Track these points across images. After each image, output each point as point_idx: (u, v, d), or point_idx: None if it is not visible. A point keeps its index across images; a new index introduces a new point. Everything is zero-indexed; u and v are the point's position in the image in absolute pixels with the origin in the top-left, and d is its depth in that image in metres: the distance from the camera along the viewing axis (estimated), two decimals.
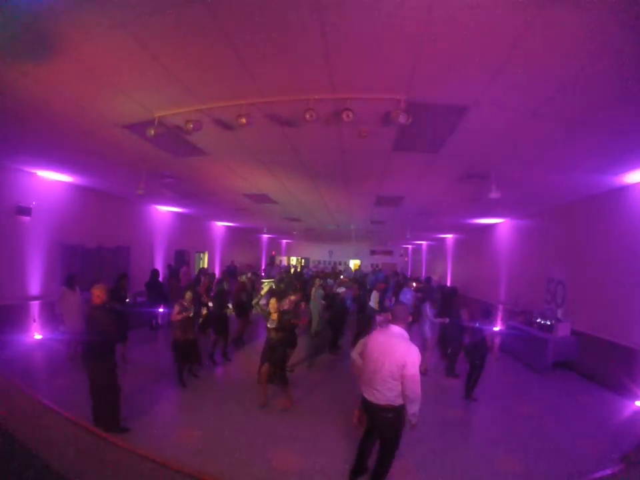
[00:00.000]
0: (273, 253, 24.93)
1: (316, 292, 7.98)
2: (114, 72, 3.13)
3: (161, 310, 8.60)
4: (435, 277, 14.79)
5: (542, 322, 7.06)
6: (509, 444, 4.01)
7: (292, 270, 17.55)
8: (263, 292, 7.34)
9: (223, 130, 4.22)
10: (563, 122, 3.59)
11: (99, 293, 3.80)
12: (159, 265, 10.82)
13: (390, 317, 3.07)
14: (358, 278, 13.04)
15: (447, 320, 6.34)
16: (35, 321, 6.81)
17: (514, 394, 5.63)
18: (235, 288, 8.02)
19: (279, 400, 4.78)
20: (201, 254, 15.08)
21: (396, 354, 2.75)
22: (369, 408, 2.98)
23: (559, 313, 7.05)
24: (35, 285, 6.92)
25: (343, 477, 3.27)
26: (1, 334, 6.07)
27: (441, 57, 2.69)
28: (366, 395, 2.96)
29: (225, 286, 6.99)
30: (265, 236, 22.57)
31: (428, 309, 6.44)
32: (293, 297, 5.61)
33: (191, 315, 5.34)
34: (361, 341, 3.30)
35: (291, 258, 27.97)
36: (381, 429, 2.98)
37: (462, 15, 2.21)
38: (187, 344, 5.27)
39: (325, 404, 4.89)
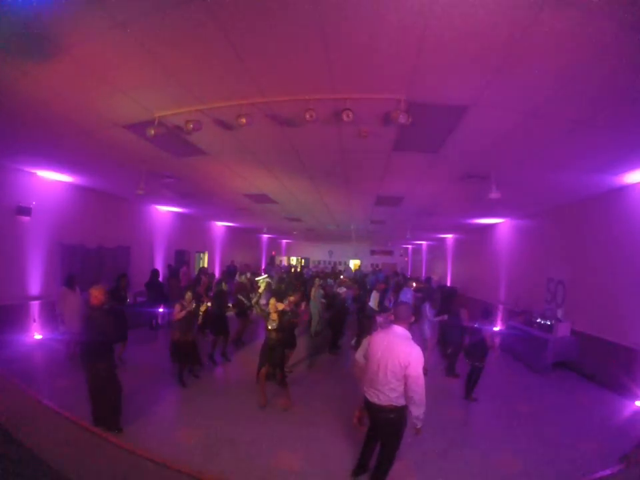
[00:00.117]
0: (273, 253, 24.94)
1: (316, 292, 7.99)
2: (114, 72, 3.13)
3: (160, 310, 8.59)
4: (434, 277, 14.76)
5: (542, 322, 7.06)
6: (509, 444, 4.00)
7: (292, 270, 17.54)
8: (260, 290, 7.31)
9: (223, 130, 4.23)
10: (562, 122, 3.59)
11: (97, 294, 3.79)
12: (159, 265, 10.82)
13: (392, 317, 3.06)
14: (358, 278, 13.05)
15: (446, 317, 6.34)
16: (34, 321, 6.82)
17: (514, 394, 5.62)
18: (235, 288, 8.02)
19: (279, 400, 4.78)
20: (201, 254, 15.08)
21: (399, 354, 2.74)
22: (371, 409, 2.96)
23: (559, 313, 7.04)
24: (35, 285, 6.93)
25: (343, 477, 3.28)
26: (1, 334, 6.07)
27: (441, 57, 2.69)
28: (368, 396, 2.94)
29: (224, 286, 6.99)
30: (265, 236, 22.57)
31: (428, 309, 6.43)
32: (292, 298, 5.60)
33: (193, 307, 5.36)
34: (364, 342, 3.25)
35: (291, 258, 27.98)
36: (383, 429, 2.96)
37: (462, 15, 2.21)
38: (185, 345, 5.27)
39: (325, 404, 4.88)
